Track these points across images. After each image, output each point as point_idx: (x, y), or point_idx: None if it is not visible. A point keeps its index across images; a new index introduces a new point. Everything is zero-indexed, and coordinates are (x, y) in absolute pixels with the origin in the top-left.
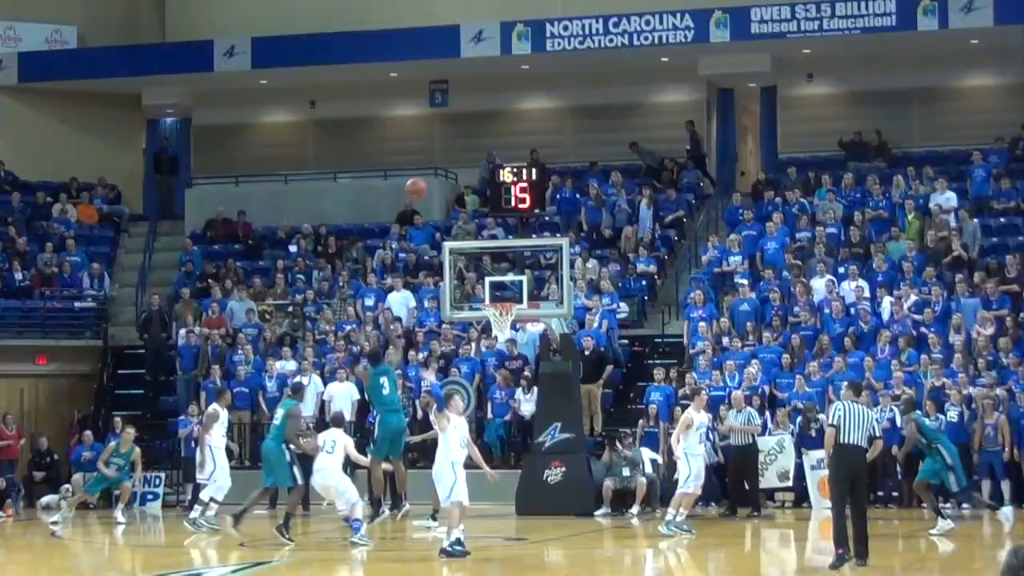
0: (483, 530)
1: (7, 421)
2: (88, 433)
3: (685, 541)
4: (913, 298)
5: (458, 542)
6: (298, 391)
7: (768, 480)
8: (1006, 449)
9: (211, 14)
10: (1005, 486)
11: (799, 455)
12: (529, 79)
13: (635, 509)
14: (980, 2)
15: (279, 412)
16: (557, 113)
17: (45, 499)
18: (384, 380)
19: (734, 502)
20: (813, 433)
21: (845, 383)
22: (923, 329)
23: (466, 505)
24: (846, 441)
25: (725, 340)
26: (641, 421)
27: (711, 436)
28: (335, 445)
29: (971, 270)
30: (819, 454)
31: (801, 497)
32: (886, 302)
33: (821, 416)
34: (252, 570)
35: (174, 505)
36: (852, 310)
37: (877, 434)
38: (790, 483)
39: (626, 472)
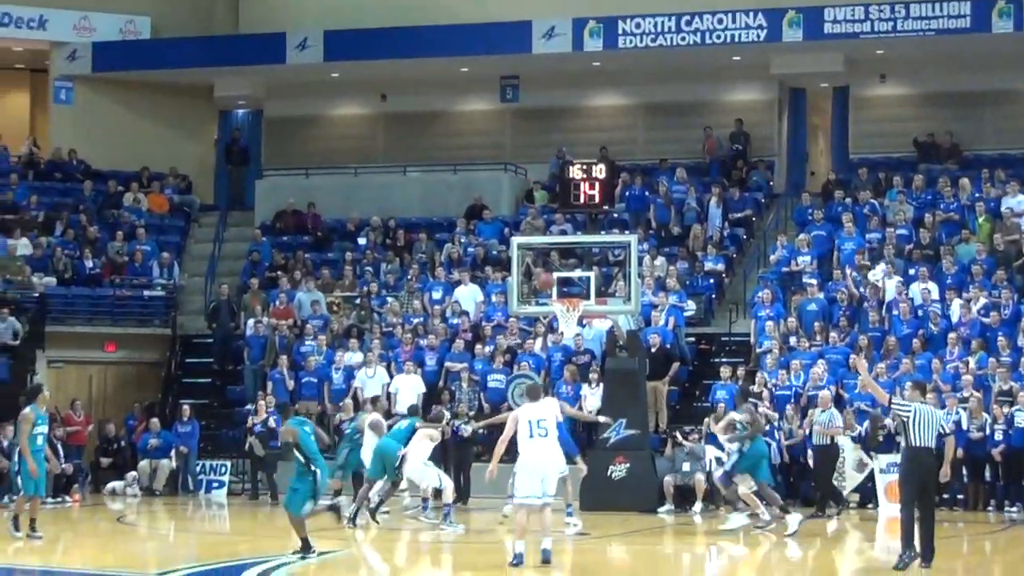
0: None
1: (76, 407)
2: (155, 420)
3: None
4: (982, 301)
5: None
6: (415, 413)
7: (851, 478)
8: None
9: (284, 6)
10: None
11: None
12: (600, 76)
13: (698, 506)
14: None
15: (404, 423)
16: (627, 110)
17: (111, 484)
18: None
19: (823, 501)
20: (880, 438)
21: (909, 383)
22: (992, 333)
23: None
24: (918, 444)
25: (792, 340)
26: (707, 419)
27: (776, 436)
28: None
29: None
30: (888, 458)
31: (866, 499)
32: (955, 304)
33: (888, 421)
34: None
35: (239, 493)
36: (920, 312)
37: (947, 431)
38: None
39: (687, 467)
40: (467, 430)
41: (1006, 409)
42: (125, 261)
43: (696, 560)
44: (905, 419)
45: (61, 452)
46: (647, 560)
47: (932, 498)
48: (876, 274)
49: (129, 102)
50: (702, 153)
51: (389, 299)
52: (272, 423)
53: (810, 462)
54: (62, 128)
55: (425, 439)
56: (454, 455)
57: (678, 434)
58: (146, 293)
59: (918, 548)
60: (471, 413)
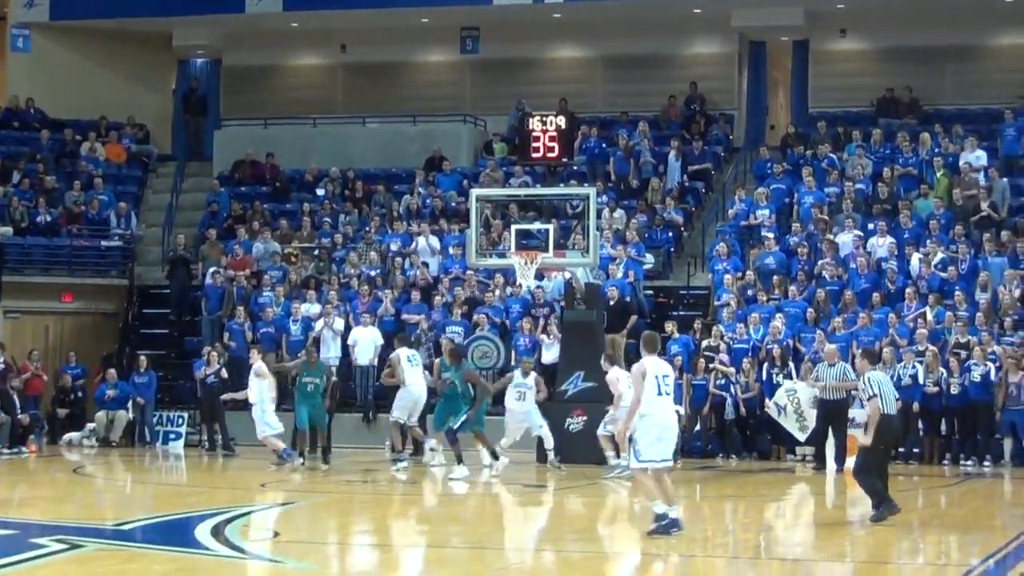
0: (504, 478)
1: (32, 357)
2: (112, 371)
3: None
4: (940, 255)
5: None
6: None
7: (809, 416)
8: None
9: None
10: None
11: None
12: (560, 27)
13: None
14: None
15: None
16: (588, 63)
17: (68, 436)
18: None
19: (840, 458)
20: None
21: (860, 352)
22: (949, 287)
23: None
24: (886, 411)
25: (750, 293)
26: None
27: (732, 390)
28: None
29: (999, 229)
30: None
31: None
32: (914, 259)
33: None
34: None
35: (196, 444)
36: (879, 266)
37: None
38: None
39: None
40: None
41: (961, 364)
42: (82, 211)
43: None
44: (871, 396)
45: (17, 403)
46: (605, 512)
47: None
48: (842, 236)
49: (87, 51)
50: (663, 118)
51: (350, 250)
52: (224, 374)
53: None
54: (19, 76)
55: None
56: None
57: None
58: (103, 243)
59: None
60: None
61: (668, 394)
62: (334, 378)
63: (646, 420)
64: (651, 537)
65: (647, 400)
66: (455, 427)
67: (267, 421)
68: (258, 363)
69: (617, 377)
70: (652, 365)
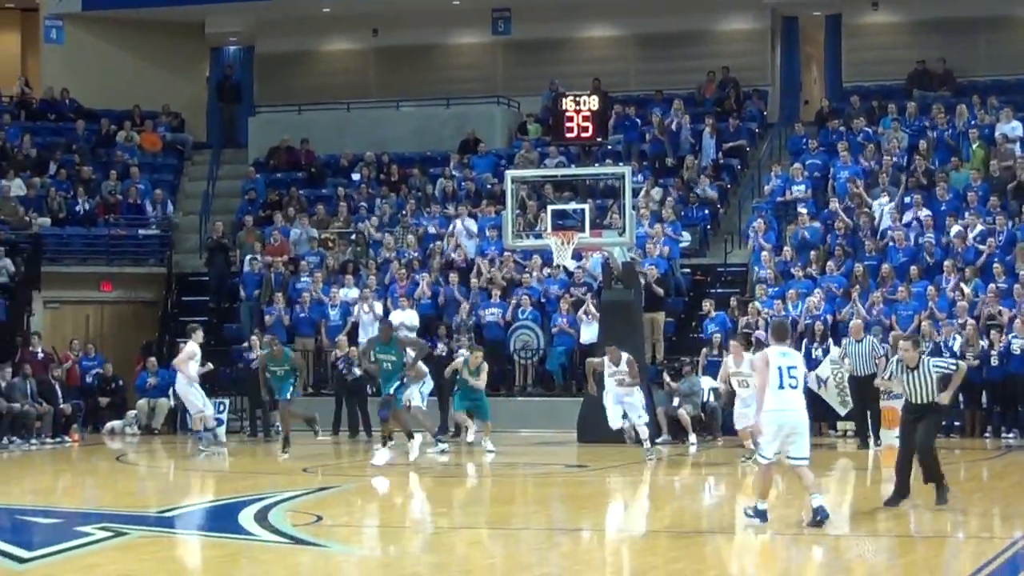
0: (545, 457)
1: (73, 347)
2: (152, 359)
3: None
4: (978, 227)
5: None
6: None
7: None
8: None
9: None
10: None
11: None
12: (592, 6)
13: (692, 437)
14: None
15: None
16: (620, 41)
17: (110, 424)
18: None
19: (863, 433)
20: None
21: (901, 343)
22: (988, 259)
23: None
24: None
25: (787, 269)
26: (704, 350)
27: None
28: None
29: None
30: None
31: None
32: (952, 231)
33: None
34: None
35: (238, 431)
36: (916, 240)
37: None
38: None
39: (675, 402)
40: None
41: (1003, 336)
42: (119, 200)
43: (688, 490)
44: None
45: (59, 393)
46: (645, 491)
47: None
48: (877, 206)
49: (120, 40)
50: (700, 95)
51: (386, 234)
52: None
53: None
54: (53, 67)
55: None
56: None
57: (666, 377)
58: (141, 232)
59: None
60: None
61: (793, 387)
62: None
63: (766, 415)
64: (810, 527)
65: (768, 392)
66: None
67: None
68: (192, 345)
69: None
70: (776, 355)
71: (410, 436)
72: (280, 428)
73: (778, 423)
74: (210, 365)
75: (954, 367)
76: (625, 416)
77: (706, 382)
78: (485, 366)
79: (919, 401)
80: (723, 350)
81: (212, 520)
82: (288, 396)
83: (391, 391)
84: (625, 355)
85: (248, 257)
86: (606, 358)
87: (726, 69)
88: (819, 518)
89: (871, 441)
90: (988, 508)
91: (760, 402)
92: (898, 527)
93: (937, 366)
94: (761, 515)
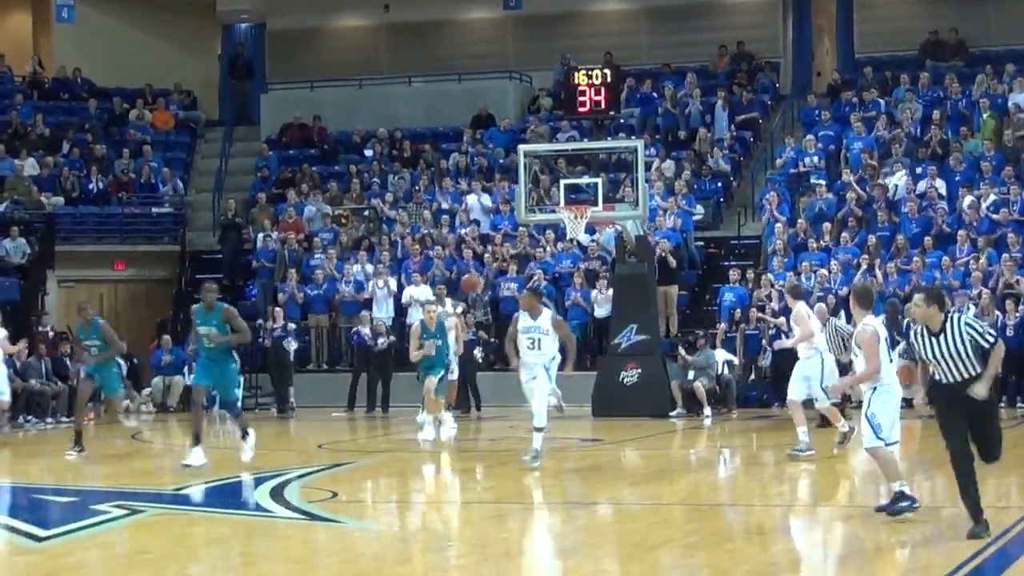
0: (559, 431)
1: None
2: (167, 337)
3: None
4: (992, 197)
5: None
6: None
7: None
8: None
9: None
10: None
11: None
12: None
13: (707, 410)
14: None
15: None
16: (631, 15)
17: (125, 402)
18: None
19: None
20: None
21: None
22: (1002, 229)
23: None
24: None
25: (800, 241)
26: (722, 325)
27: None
28: None
29: None
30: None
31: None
32: (965, 201)
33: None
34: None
35: (253, 408)
36: (930, 210)
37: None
38: None
39: (691, 376)
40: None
41: (1019, 306)
42: (132, 178)
43: (705, 463)
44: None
45: (74, 371)
46: (660, 464)
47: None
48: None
49: (131, 19)
50: (713, 68)
51: (400, 210)
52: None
53: None
54: (65, 47)
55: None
56: None
57: (682, 350)
58: (154, 210)
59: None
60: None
61: (892, 360)
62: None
63: (887, 393)
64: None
65: (885, 369)
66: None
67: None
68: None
69: (807, 314)
70: (881, 327)
71: (245, 435)
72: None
73: (896, 403)
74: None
75: (991, 338)
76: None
77: (720, 355)
78: (452, 321)
79: (955, 378)
80: (738, 324)
81: (228, 497)
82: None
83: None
84: (549, 311)
85: (261, 234)
86: (520, 311)
87: (740, 44)
88: (902, 505)
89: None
90: (1004, 478)
91: (867, 378)
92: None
93: (970, 326)
94: (910, 499)
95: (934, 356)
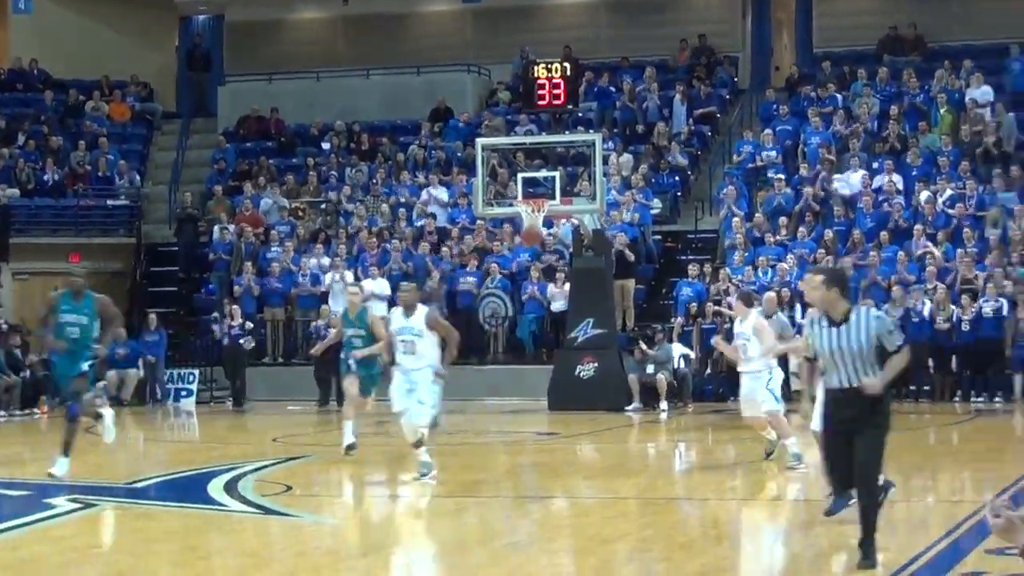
0: (515, 425)
1: None
2: (122, 331)
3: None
4: (948, 192)
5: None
6: None
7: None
8: None
9: None
10: None
11: None
12: None
13: (663, 404)
14: None
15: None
16: (591, 8)
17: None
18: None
19: None
20: None
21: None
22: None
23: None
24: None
25: (758, 235)
26: (679, 319)
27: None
28: None
29: (1007, 164)
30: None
31: None
32: (921, 196)
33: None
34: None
35: (208, 401)
36: (886, 205)
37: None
38: None
39: (650, 369)
40: None
41: (975, 301)
42: (88, 171)
43: (660, 457)
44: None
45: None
46: (616, 458)
47: None
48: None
49: (88, 10)
50: (673, 62)
51: (357, 203)
52: (249, 326)
53: None
54: (22, 38)
55: None
56: None
57: (643, 345)
58: (110, 202)
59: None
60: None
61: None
62: None
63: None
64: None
65: None
66: None
67: None
68: None
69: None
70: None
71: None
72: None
73: None
74: None
75: (900, 341)
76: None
77: (677, 349)
78: (374, 313)
79: (847, 381)
80: (695, 318)
81: (181, 491)
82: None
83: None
84: (426, 308)
85: (218, 227)
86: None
87: (702, 37)
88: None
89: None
90: (958, 472)
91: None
92: None
93: (880, 321)
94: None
95: (829, 351)
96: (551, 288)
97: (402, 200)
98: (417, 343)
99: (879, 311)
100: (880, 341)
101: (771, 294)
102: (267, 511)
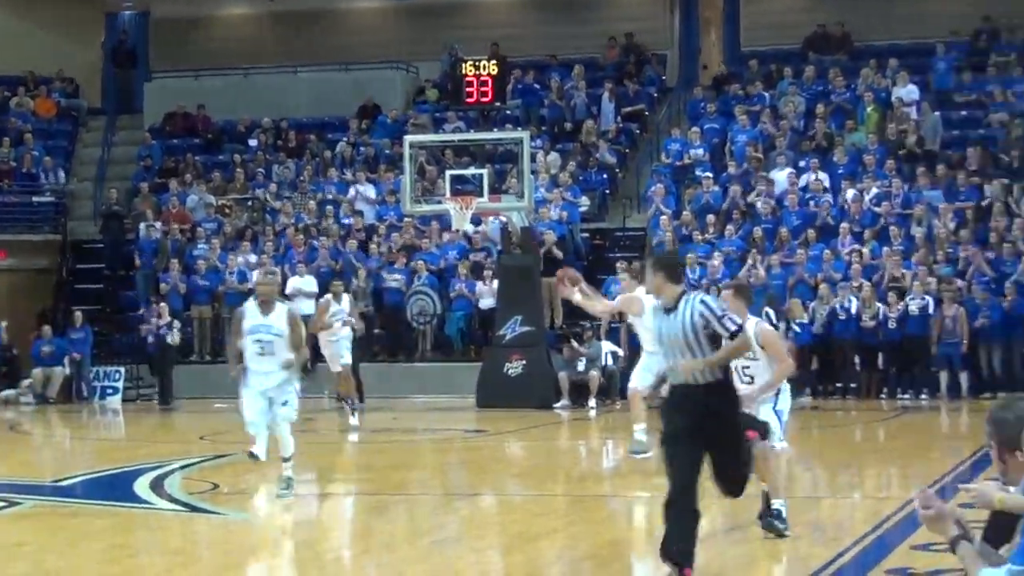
0: (442, 423)
1: None
2: (47, 328)
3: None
4: (874, 190)
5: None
6: None
7: None
8: (964, 341)
9: None
10: (963, 377)
11: None
12: None
13: (592, 402)
14: None
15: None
16: (518, 6)
17: (4, 393)
18: None
19: None
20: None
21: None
22: (885, 221)
23: None
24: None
25: (686, 233)
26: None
27: None
28: None
29: (932, 163)
30: None
31: None
32: (848, 194)
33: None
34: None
35: (134, 399)
36: (813, 203)
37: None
38: None
39: (581, 367)
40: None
41: (901, 299)
42: (13, 167)
43: (588, 454)
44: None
45: None
46: (544, 455)
47: None
48: (776, 173)
49: (13, 5)
50: (603, 60)
51: (284, 200)
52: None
53: None
54: None
55: None
56: None
57: (574, 342)
58: (35, 199)
59: None
60: (367, 310)
61: None
62: None
63: (786, 390)
64: None
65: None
66: None
67: None
68: None
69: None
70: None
71: None
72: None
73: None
74: None
75: (733, 326)
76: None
77: (605, 346)
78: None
79: (687, 379)
80: (622, 315)
81: (108, 489)
82: None
83: None
84: (285, 306)
85: (144, 224)
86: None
87: (630, 36)
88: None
89: None
90: (884, 468)
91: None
92: (795, 488)
93: (706, 306)
94: (786, 522)
95: (663, 338)
96: (479, 285)
97: (329, 197)
98: (276, 343)
99: (709, 298)
100: (710, 326)
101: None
102: (194, 509)
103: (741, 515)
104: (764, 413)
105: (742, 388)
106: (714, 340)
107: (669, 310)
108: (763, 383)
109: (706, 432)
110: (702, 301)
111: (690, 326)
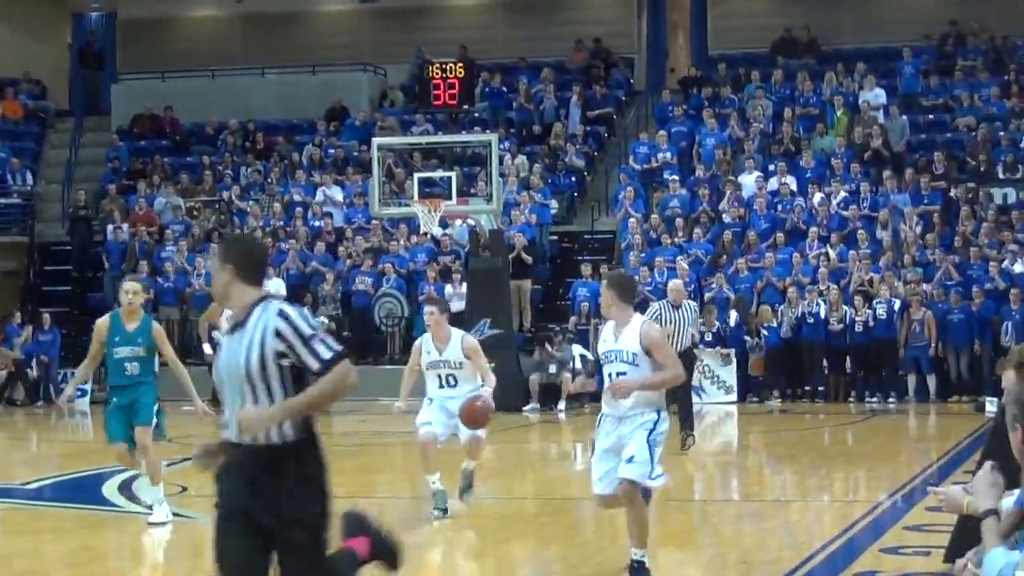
0: (409, 425)
1: None
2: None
3: None
4: (842, 194)
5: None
6: None
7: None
8: (932, 345)
9: None
10: (930, 380)
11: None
12: None
13: (561, 405)
14: None
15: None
16: (486, 8)
17: None
18: None
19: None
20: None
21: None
22: (853, 225)
23: None
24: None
25: (654, 236)
26: (573, 318)
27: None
28: None
29: (899, 166)
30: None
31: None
32: (815, 198)
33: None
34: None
35: (102, 401)
36: (780, 206)
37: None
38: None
39: (552, 370)
40: None
41: (868, 302)
42: None
43: (558, 457)
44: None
45: None
46: (513, 458)
47: None
48: (744, 177)
49: None
50: (570, 63)
51: (252, 202)
52: None
53: None
54: None
55: None
56: None
57: (548, 345)
58: (2, 201)
59: None
60: (335, 314)
61: None
62: None
63: (666, 420)
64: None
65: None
66: None
67: None
68: None
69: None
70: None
71: None
72: None
73: None
74: None
75: (329, 352)
76: None
77: (575, 350)
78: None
79: (245, 435)
80: (590, 318)
81: (76, 491)
82: None
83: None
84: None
85: (111, 226)
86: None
87: (597, 40)
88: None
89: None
90: (852, 472)
91: (661, 384)
92: (763, 492)
93: (287, 321)
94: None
95: (219, 376)
96: (448, 288)
97: (297, 199)
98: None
99: (288, 306)
100: (284, 353)
101: (677, 282)
102: None
103: (712, 516)
104: (636, 443)
105: (624, 379)
106: (298, 377)
107: (236, 327)
108: (644, 377)
109: (266, 528)
110: (281, 313)
111: (257, 352)
